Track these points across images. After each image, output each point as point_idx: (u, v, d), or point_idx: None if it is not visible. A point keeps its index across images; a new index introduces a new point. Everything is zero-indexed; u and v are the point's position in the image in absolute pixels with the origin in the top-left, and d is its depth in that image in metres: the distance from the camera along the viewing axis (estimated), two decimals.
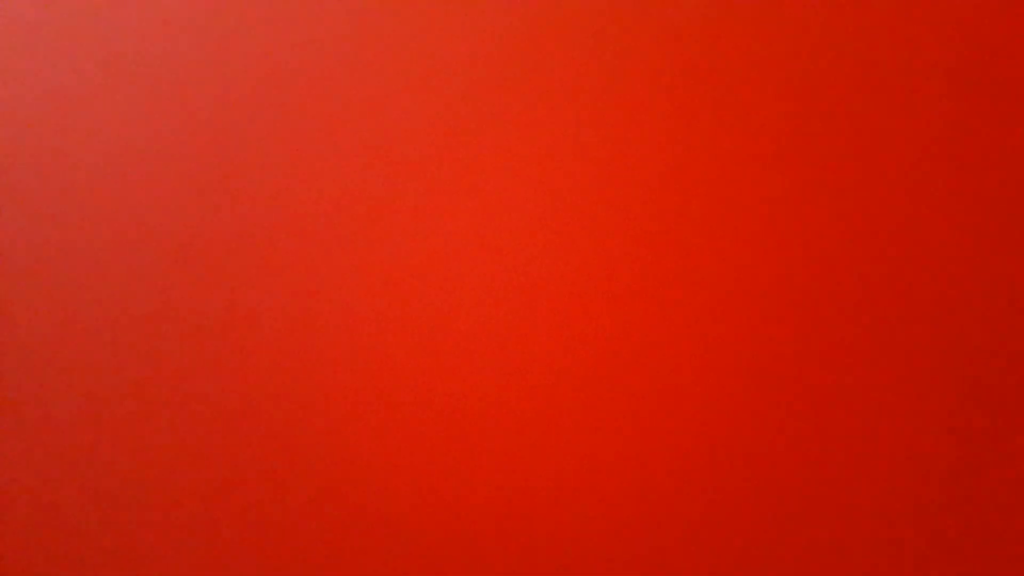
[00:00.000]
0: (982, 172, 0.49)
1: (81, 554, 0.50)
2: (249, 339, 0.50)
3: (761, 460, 0.49)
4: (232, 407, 0.50)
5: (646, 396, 0.49)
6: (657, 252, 0.49)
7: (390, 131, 0.50)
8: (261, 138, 0.50)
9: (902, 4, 0.49)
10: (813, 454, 0.49)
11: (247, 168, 0.50)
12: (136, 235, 0.51)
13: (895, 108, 0.49)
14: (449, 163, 0.50)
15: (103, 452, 0.50)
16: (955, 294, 0.49)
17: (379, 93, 0.50)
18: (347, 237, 0.50)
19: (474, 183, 0.50)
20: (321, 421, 0.50)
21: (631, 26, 0.50)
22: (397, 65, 0.50)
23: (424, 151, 0.50)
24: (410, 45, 0.50)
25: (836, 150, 0.49)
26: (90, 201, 0.51)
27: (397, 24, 0.50)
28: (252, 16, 0.51)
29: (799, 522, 0.49)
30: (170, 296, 0.50)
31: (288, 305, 0.50)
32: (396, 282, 0.50)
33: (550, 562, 0.49)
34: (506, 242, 0.50)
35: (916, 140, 0.49)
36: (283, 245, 0.50)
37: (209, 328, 0.50)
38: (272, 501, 0.50)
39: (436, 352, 0.50)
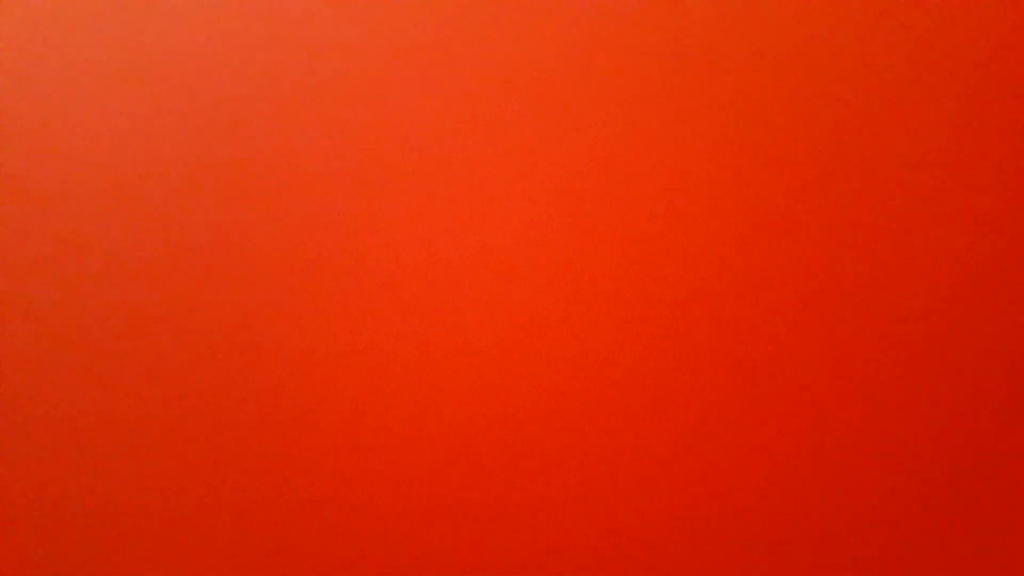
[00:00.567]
0: (982, 172, 0.49)
1: (81, 554, 0.50)
2: (249, 339, 0.50)
3: (761, 460, 0.49)
4: (232, 407, 0.50)
5: (646, 396, 0.49)
6: (658, 252, 0.49)
7: (391, 131, 0.50)
8: (262, 138, 0.50)
9: (902, 4, 0.49)
10: (813, 454, 0.49)
11: (247, 168, 0.50)
12: (136, 235, 0.51)
13: (895, 108, 0.49)
14: (449, 163, 0.50)
15: (103, 452, 0.50)
16: (955, 294, 0.49)
17: (379, 93, 0.50)
18: (347, 237, 0.50)
19: (474, 183, 0.50)
20: (321, 421, 0.50)
21: (631, 26, 0.50)
22: (397, 65, 0.50)
23: (425, 151, 0.50)
24: (410, 45, 0.50)
25: (836, 150, 0.49)
26: (90, 201, 0.51)
27: (397, 23, 0.50)
28: (252, 15, 0.51)
29: (799, 522, 0.49)
30: (170, 296, 0.50)
31: (288, 305, 0.50)
32: (396, 282, 0.50)
33: (550, 562, 0.49)
34: (506, 242, 0.50)
35: (916, 140, 0.49)
36: (283, 245, 0.50)
37: (209, 328, 0.50)
38: (272, 501, 0.50)
39: (436, 352, 0.50)
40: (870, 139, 0.49)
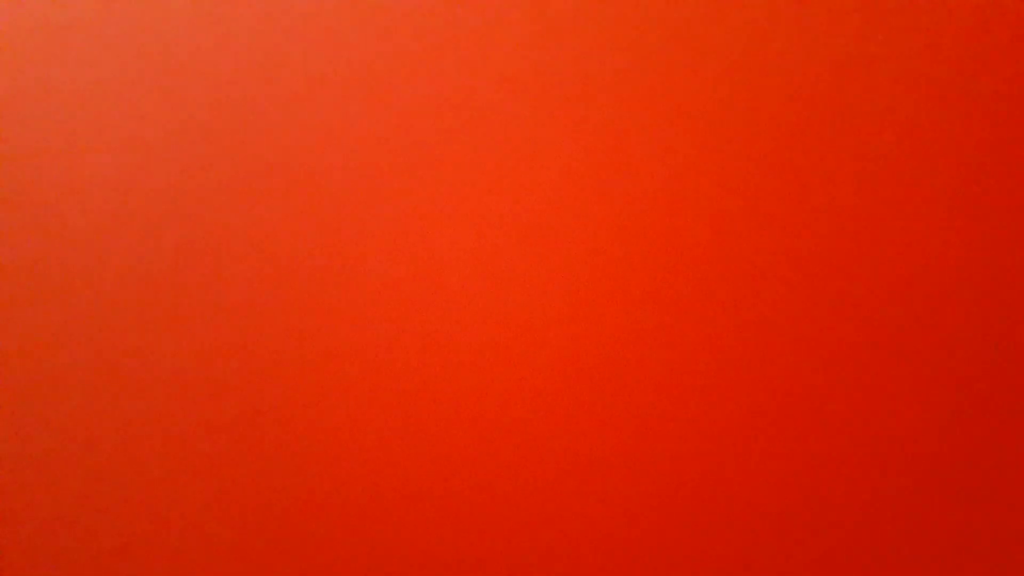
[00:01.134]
0: (982, 172, 0.49)
1: (81, 554, 0.50)
2: (250, 340, 0.50)
3: (761, 460, 0.49)
4: (232, 408, 0.50)
5: (646, 396, 0.49)
6: (657, 251, 0.49)
7: (391, 131, 0.50)
8: (262, 138, 0.50)
9: (903, 4, 0.49)
10: (813, 454, 0.49)
11: (248, 168, 0.50)
12: (136, 235, 0.51)
13: (895, 109, 0.49)
14: (448, 163, 0.50)
15: (102, 452, 0.50)
16: (955, 294, 0.49)
17: (380, 93, 0.50)
18: (346, 236, 0.50)
19: (473, 183, 0.50)
20: (320, 420, 0.50)
21: (632, 26, 0.50)
22: (398, 65, 0.50)
23: (425, 151, 0.50)
24: (411, 44, 0.50)
25: (837, 151, 0.49)
26: (90, 201, 0.51)
27: (398, 23, 0.50)
28: (253, 14, 0.51)
29: (799, 522, 0.49)
30: (169, 295, 0.50)
31: (289, 306, 0.50)
32: (396, 282, 0.50)
33: (549, 562, 0.49)
34: (505, 241, 0.50)
35: (917, 140, 0.49)
36: (284, 245, 0.50)
37: (209, 328, 0.50)
38: (272, 502, 0.50)
39: (436, 352, 0.50)
40: (870, 138, 0.49)
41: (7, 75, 0.51)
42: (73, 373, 0.51)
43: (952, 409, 0.49)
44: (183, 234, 0.50)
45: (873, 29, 0.49)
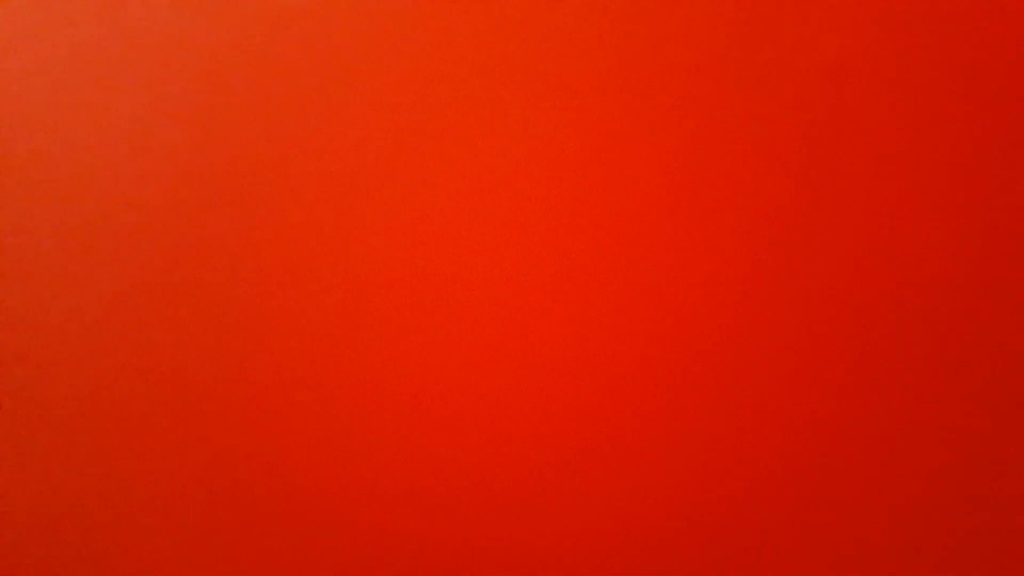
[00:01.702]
0: (982, 172, 0.49)
1: (81, 554, 0.50)
2: (250, 340, 0.50)
3: (761, 460, 0.49)
4: (232, 408, 0.50)
5: (645, 395, 0.49)
6: (656, 252, 0.49)
7: (392, 131, 0.50)
8: (263, 139, 0.50)
9: (903, 4, 0.49)
10: (813, 454, 0.49)
11: (248, 169, 0.50)
12: (136, 234, 0.51)
13: (895, 109, 0.49)
14: (448, 163, 0.50)
15: (102, 452, 0.50)
16: (955, 294, 0.49)
17: (380, 94, 0.50)
18: (346, 236, 0.50)
19: (474, 184, 0.50)
20: (320, 420, 0.50)
21: (632, 27, 0.50)
22: (399, 65, 0.50)
23: (426, 151, 0.50)
24: (412, 44, 0.50)
25: (837, 152, 0.49)
26: (91, 201, 0.51)
27: (399, 23, 0.50)
28: (253, 14, 0.51)
29: (799, 522, 0.49)
30: (169, 295, 0.50)
31: (289, 306, 0.50)
32: (396, 282, 0.50)
33: (549, 561, 0.49)
34: (505, 241, 0.50)
35: (916, 141, 0.49)
36: (285, 246, 0.50)
37: (209, 329, 0.50)
38: (273, 503, 0.50)
39: (436, 353, 0.50)
40: (869, 137, 0.49)
41: (7, 75, 0.51)
42: (73, 373, 0.51)
43: (952, 409, 0.49)
44: (183, 234, 0.50)
45: (873, 29, 0.49)
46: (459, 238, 0.50)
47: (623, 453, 0.49)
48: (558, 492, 0.49)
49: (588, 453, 0.49)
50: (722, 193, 0.49)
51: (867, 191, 0.49)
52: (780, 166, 0.49)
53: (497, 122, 0.50)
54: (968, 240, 0.49)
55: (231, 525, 0.50)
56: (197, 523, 0.50)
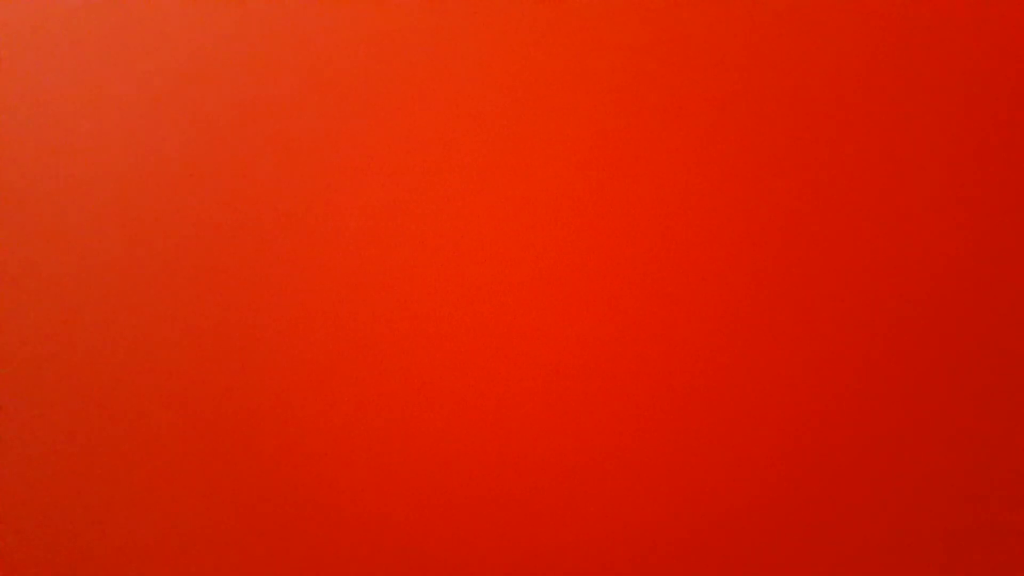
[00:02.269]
0: (982, 172, 0.49)
1: (82, 554, 0.50)
2: (250, 340, 0.50)
3: (760, 460, 0.49)
4: (233, 408, 0.50)
5: (645, 395, 0.49)
6: (656, 252, 0.49)
7: (390, 130, 0.50)
8: (264, 140, 0.50)
9: (904, 5, 0.49)
10: (814, 455, 0.49)
11: (249, 170, 0.50)
12: (136, 234, 0.51)
13: (896, 109, 0.49)
14: (448, 163, 0.50)
15: (102, 452, 0.50)
16: (955, 295, 0.49)
17: (381, 94, 0.50)
18: (348, 239, 0.50)
19: (475, 186, 0.50)
20: (319, 420, 0.50)
21: (633, 27, 0.50)
22: (400, 66, 0.50)
23: (427, 153, 0.50)
24: (414, 47, 0.50)
25: (837, 152, 0.49)
26: (91, 202, 0.51)
27: (400, 25, 0.50)
28: (256, 17, 0.51)
29: (799, 522, 0.49)
30: (168, 295, 0.50)
31: (289, 307, 0.50)
32: (396, 282, 0.50)
33: (549, 561, 0.49)
34: (504, 242, 0.50)
35: (917, 141, 0.49)
36: (287, 246, 0.50)
37: (210, 330, 0.50)
38: (272, 502, 0.50)
39: (436, 353, 0.50)
40: (872, 140, 0.49)
41: (7, 75, 0.51)
42: (73, 373, 0.51)
43: (952, 409, 0.49)
44: (184, 235, 0.50)
45: (873, 29, 0.49)
46: (461, 239, 0.50)
47: (625, 454, 0.49)
48: (560, 493, 0.49)
49: (591, 454, 0.49)
50: (722, 196, 0.49)
51: (871, 195, 0.49)
52: (785, 171, 0.49)
53: (502, 125, 0.50)
54: (968, 240, 0.49)
55: (232, 525, 0.50)
56: (198, 523, 0.50)
